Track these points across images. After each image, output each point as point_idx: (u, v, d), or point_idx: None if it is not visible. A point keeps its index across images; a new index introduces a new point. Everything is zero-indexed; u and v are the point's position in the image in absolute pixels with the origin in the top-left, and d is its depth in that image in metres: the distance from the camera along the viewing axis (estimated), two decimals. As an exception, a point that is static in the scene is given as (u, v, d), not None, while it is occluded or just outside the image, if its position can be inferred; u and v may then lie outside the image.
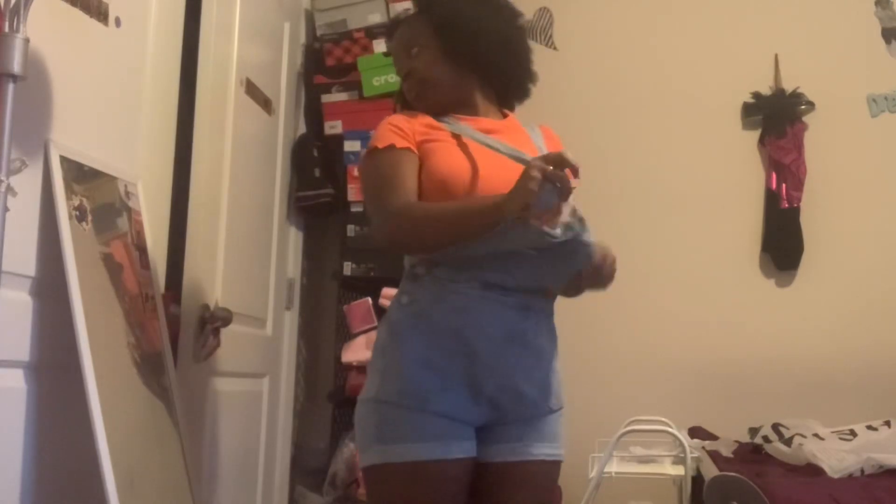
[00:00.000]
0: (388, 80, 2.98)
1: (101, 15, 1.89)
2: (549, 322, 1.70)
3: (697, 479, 2.44)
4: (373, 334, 2.88)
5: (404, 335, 1.60)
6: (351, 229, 3.01)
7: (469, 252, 1.57)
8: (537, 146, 1.75)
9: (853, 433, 2.58)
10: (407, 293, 1.64)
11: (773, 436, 2.72)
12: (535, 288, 1.63)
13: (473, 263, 1.58)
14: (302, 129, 3.18)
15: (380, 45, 3.06)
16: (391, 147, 1.65)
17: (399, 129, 1.68)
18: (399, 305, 1.65)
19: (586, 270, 1.55)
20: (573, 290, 1.66)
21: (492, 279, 1.59)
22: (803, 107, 3.25)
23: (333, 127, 3.10)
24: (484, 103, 1.78)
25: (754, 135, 3.31)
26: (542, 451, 1.65)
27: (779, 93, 3.27)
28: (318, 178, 3.07)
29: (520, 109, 1.87)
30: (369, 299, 2.95)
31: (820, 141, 3.24)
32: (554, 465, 1.70)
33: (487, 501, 1.64)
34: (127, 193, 1.94)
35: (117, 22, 1.95)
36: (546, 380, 1.66)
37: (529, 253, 1.54)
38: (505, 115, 1.82)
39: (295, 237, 3.14)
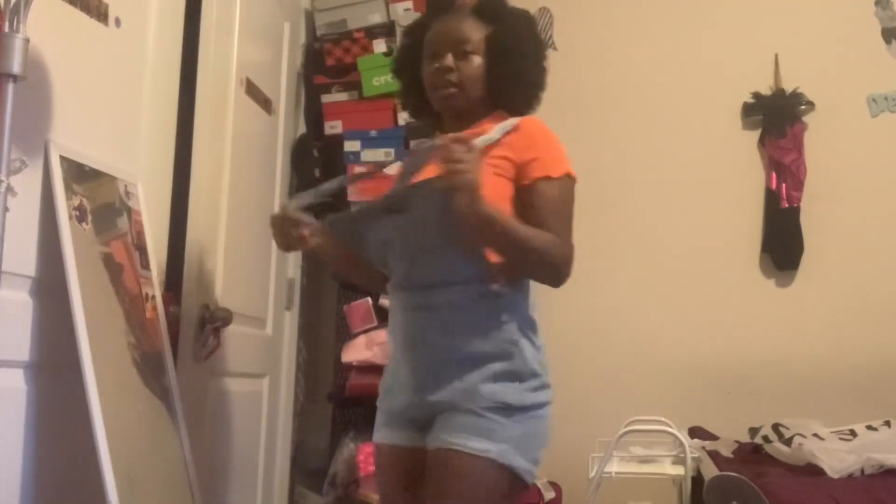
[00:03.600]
0: (388, 80, 2.98)
1: (101, 15, 1.89)
2: (465, 317, 1.65)
3: (697, 479, 2.44)
4: (373, 334, 2.90)
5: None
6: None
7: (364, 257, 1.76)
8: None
9: (853, 433, 2.58)
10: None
11: (773, 436, 2.71)
12: (429, 281, 1.66)
13: (388, 271, 1.74)
14: (302, 129, 3.18)
15: (380, 45, 3.06)
16: None
17: None
18: None
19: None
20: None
21: (395, 281, 1.73)
22: (803, 107, 3.25)
23: (333, 127, 3.10)
24: (474, 116, 1.78)
25: (754, 135, 3.31)
26: (454, 440, 1.60)
27: (779, 93, 3.27)
28: (318, 178, 3.07)
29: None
30: (369, 299, 2.94)
31: (820, 141, 3.23)
32: (456, 455, 1.59)
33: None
34: (127, 193, 1.95)
35: (117, 22, 1.95)
36: (456, 379, 1.63)
37: (394, 241, 1.68)
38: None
39: (295, 237, 3.13)
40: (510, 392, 1.63)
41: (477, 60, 1.74)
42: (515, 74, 1.76)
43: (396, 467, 1.75)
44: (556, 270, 1.65)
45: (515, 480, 1.62)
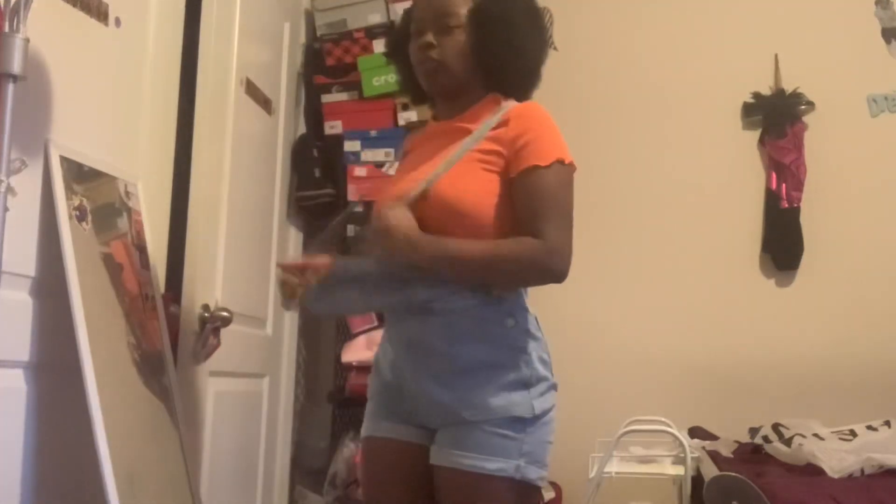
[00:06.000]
0: (388, 79, 2.98)
1: (101, 15, 1.89)
2: (471, 324, 1.59)
3: (697, 479, 2.44)
4: (373, 334, 2.90)
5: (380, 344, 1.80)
6: (351, 229, 3.01)
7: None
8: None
9: (853, 433, 2.58)
10: None
11: (773, 436, 2.71)
12: (429, 297, 1.60)
13: None
14: (302, 129, 3.18)
15: (380, 45, 3.05)
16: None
17: None
18: None
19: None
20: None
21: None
22: (803, 107, 3.25)
23: (333, 127, 3.10)
24: (466, 98, 1.71)
25: (754, 135, 3.31)
26: (456, 459, 1.56)
27: (779, 93, 3.27)
28: (318, 178, 3.07)
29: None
30: (369, 299, 2.94)
31: (820, 141, 3.23)
32: (471, 477, 1.55)
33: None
34: (127, 193, 1.95)
35: (117, 22, 1.95)
36: (462, 388, 1.58)
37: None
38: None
39: (295, 237, 3.14)
40: (521, 403, 1.57)
41: (461, 35, 1.65)
42: (504, 46, 1.65)
43: (400, 465, 1.67)
44: (542, 272, 1.56)
45: (530, 489, 1.59)
